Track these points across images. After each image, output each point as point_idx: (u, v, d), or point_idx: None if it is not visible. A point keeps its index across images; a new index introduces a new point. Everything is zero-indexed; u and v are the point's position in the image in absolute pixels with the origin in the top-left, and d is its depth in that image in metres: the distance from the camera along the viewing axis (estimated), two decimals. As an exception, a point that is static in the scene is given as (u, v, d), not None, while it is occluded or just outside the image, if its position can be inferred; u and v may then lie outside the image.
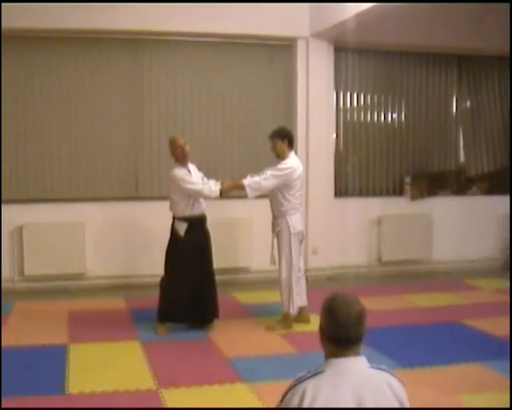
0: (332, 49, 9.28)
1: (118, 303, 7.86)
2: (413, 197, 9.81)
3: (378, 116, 9.79)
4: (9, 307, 7.50)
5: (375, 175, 9.85)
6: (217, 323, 6.79)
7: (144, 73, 8.84)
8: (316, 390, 2.49)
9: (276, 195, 6.68)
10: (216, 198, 6.65)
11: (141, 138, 8.85)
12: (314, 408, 2.45)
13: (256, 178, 6.58)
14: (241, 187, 6.58)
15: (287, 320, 6.81)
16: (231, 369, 5.61)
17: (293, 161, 6.68)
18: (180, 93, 8.96)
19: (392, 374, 2.66)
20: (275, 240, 6.89)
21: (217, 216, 8.61)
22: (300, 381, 2.55)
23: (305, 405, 2.47)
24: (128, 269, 8.74)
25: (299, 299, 6.91)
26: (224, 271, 8.68)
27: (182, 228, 6.52)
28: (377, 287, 8.93)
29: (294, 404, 2.50)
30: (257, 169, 9.07)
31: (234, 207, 8.99)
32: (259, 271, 9.03)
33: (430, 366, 5.64)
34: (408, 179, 9.86)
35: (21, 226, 8.36)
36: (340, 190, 9.64)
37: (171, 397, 4.96)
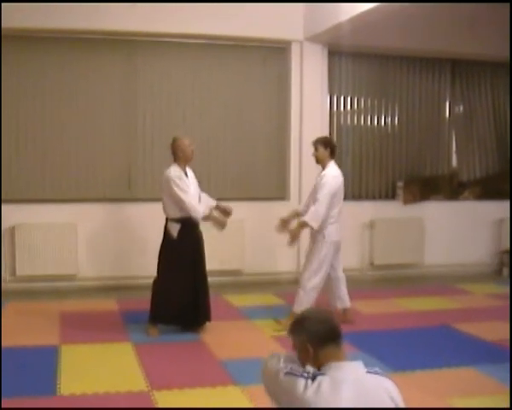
0: (326, 52, 9.29)
1: (110, 304, 7.84)
2: (405, 201, 9.83)
3: (371, 120, 9.81)
4: (0, 307, 7.47)
5: (368, 179, 9.87)
6: (209, 325, 6.77)
7: (138, 74, 8.83)
8: (316, 391, 2.52)
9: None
10: (198, 219, 6.52)
11: (134, 139, 8.84)
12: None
13: (312, 209, 6.59)
14: (305, 225, 6.67)
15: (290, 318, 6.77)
16: (223, 371, 5.60)
17: (334, 171, 6.73)
18: (174, 95, 8.96)
19: (387, 377, 2.69)
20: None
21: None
22: (301, 376, 2.57)
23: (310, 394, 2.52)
24: (120, 270, 8.73)
25: (340, 301, 7.06)
26: (217, 273, 8.68)
27: (174, 229, 6.47)
28: (369, 291, 8.94)
29: (299, 390, 2.54)
30: (250, 172, 9.17)
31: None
32: (252, 273, 9.04)
33: (422, 369, 5.64)
34: (400, 183, 9.89)
35: (13, 227, 8.34)
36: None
37: (163, 399, 4.95)
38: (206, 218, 6.55)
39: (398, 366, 5.61)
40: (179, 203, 6.37)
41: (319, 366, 2.63)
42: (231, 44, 9.03)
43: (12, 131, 8.47)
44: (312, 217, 6.58)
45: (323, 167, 6.78)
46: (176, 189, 6.33)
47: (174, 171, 6.41)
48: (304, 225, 6.69)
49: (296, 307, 6.71)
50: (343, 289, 7.12)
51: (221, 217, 6.75)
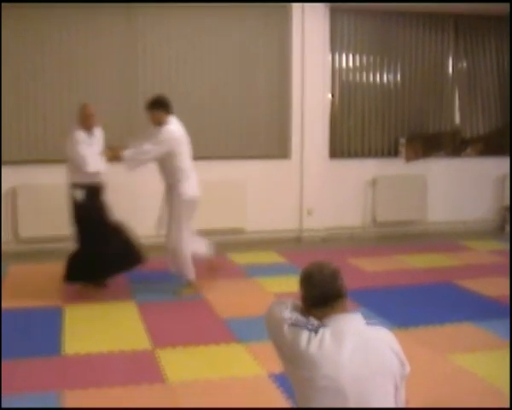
0: (328, 10, 9.17)
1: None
2: (408, 159, 9.79)
3: (374, 77, 9.71)
4: (4, 269, 7.50)
5: (371, 136, 9.81)
6: (212, 283, 6.82)
7: (138, 37, 8.72)
8: (320, 342, 2.55)
9: (164, 163, 6.50)
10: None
11: (135, 103, 8.74)
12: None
13: (136, 150, 6.37)
14: (120, 159, 6.40)
15: (191, 285, 6.75)
16: (227, 329, 5.64)
17: (172, 128, 6.48)
18: (174, 57, 8.86)
19: (386, 329, 2.74)
20: (165, 207, 6.74)
21: (210, 177, 8.62)
22: (305, 327, 2.59)
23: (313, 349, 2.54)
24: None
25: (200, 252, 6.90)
26: (219, 232, 8.72)
27: (79, 194, 6.49)
28: (372, 248, 8.96)
29: (303, 345, 2.56)
30: (251, 131, 9.13)
31: (228, 168, 8.98)
32: (254, 231, 9.06)
33: (424, 325, 5.68)
34: (403, 141, 9.83)
35: (15, 188, 8.33)
36: (335, 152, 9.61)
37: (166, 357, 4.99)
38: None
39: (401, 322, 5.64)
40: (80, 160, 6.34)
41: (320, 319, 2.65)
42: (232, 5, 8.90)
43: (12, 95, 8.39)
44: (133, 159, 6.36)
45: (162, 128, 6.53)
46: (78, 149, 6.34)
47: (78, 134, 6.40)
48: (119, 158, 6.39)
49: (186, 274, 6.70)
50: (199, 240, 6.98)
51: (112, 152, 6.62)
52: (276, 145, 9.32)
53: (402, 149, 9.83)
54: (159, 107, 6.47)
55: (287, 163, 9.20)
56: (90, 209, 6.51)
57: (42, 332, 5.56)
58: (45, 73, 8.50)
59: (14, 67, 8.39)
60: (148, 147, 6.31)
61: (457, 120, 10.23)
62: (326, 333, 2.55)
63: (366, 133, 9.81)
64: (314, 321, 2.62)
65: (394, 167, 9.76)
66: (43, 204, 8.35)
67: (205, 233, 8.72)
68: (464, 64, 10.15)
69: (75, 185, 6.46)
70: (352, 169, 9.64)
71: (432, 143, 10.06)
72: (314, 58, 9.13)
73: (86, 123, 6.47)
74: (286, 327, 2.65)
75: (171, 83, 8.86)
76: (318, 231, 9.32)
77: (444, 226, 9.90)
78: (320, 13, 9.08)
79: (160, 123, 6.42)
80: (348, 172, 9.60)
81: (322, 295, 2.65)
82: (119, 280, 6.99)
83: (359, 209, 9.71)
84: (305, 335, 2.57)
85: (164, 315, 6.05)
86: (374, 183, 9.64)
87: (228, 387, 4.54)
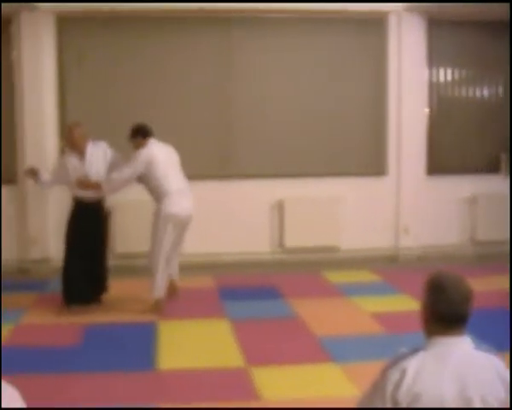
0: (426, 22, 8.97)
1: (206, 281, 7.88)
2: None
3: (473, 91, 9.42)
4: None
5: (470, 152, 9.49)
6: (305, 301, 6.73)
7: (233, 52, 8.77)
8: (418, 370, 2.43)
9: (144, 182, 6.72)
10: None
11: (228, 118, 8.79)
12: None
13: (112, 175, 6.65)
14: (97, 187, 6.66)
15: (157, 305, 6.64)
16: (322, 348, 5.53)
17: (147, 151, 6.65)
18: (269, 71, 8.85)
19: (495, 356, 2.57)
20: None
21: (305, 194, 8.57)
22: (402, 358, 2.46)
23: (406, 384, 2.40)
24: (216, 247, 8.72)
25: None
26: (313, 249, 8.63)
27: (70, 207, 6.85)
28: (470, 268, 8.63)
29: (393, 382, 2.43)
30: (346, 147, 9.01)
31: (323, 185, 8.88)
32: (349, 249, 8.90)
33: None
34: (504, 156, 9.49)
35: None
36: (433, 168, 9.34)
37: (260, 375, 4.93)
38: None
39: (504, 347, 5.38)
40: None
41: (428, 333, 2.53)
42: (328, 18, 8.84)
43: (103, 111, 8.57)
44: (109, 184, 6.64)
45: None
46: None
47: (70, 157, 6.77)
48: (96, 187, 6.68)
49: (152, 292, 6.66)
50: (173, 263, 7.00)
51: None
52: (372, 162, 9.16)
53: (503, 165, 9.49)
54: (136, 134, 6.79)
55: (383, 180, 9.03)
56: (70, 224, 6.80)
57: (137, 347, 5.61)
58: (139, 90, 8.63)
59: (108, 82, 8.58)
60: (124, 170, 6.63)
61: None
62: (426, 358, 2.44)
63: (465, 149, 9.50)
64: (405, 349, 2.50)
65: (494, 184, 9.41)
66: (130, 222, 8.46)
67: (299, 251, 8.72)
68: None
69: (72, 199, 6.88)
70: (450, 186, 9.36)
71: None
72: (411, 72, 8.93)
73: (75, 147, 6.75)
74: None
75: (265, 98, 8.85)
76: (414, 249, 9.08)
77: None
78: (417, 25, 8.89)
79: (139, 148, 6.70)
80: (446, 189, 9.33)
81: (455, 317, 2.51)
82: (211, 297, 7.00)
83: (457, 227, 9.41)
84: (397, 371, 2.44)
85: (257, 332, 5.99)
86: (473, 200, 9.33)
87: (323, 407, 4.42)
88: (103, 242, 6.93)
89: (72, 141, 6.74)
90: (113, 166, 6.80)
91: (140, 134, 6.76)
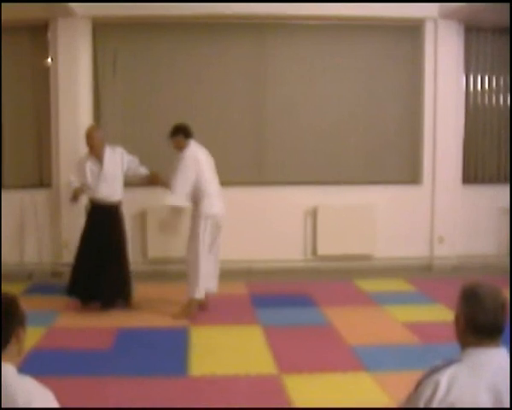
0: (462, 28, 8.87)
1: (239, 288, 7.87)
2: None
3: (510, 99, 9.29)
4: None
5: (506, 161, 9.36)
6: (338, 309, 6.67)
7: (268, 58, 8.77)
8: (451, 382, 2.39)
9: None
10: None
11: (263, 125, 8.78)
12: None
13: (178, 181, 6.66)
14: (166, 186, 6.82)
15: (191, 306, 6.64)
16: (354, 357, 5.48)
17: (191, 150, 6.71)
18: (304, 78, 8.84)
19: None
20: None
21: (340, 202, 8.53)
22: (435, 371, 2.42)
23: (439, 396, 2.38)
24: (249, 254, 8.70)
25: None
26: (347, 257, 8.58)
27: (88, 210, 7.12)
28: (505, 278, 8.50)
29: (427, 395, 2.41)
30: (381, 155, 8.94)
31: (357, 193, 8.82)
32: (382, 258, 8.83)
33: None
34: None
35: (145, 209, 8.48)
36: (469, 177, 9.24)
37: (292, 383, 4.89)
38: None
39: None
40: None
41: (462, 344, 2.49)
42: (362, 25, 8.80)
43: (137, 117, 8.65)
44: (172, 191, 6.72)
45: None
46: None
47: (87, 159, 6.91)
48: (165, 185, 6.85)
49: (191, 291, 6.66)
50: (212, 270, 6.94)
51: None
52: (408, 170, 9.08)
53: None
54: (177, 133, 6.82)
55: (418, 188, 8.94)
56: (86, 224, 6.99)
57: (169, 352, 5.61)
58: (171, 94, 8.67)
59: (143, 89, 8.67)
60: (178, 176, 6.61)
61: None
62: (460, 370, 2.39)
63: (501, 158, 9.38)
64: (440, 362, 2.45)
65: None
66: (163, 226, 8.50)
67: (332, 258, 8.67)
68: None
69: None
70: (486, 195, 9.24)
71: None
72: (447, 80, 8.84)
73: (94, 151, 6.85)
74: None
75: (300, 105, 8.85)
76: (449, 258, 8.97)
77: None
78: (454, 32, 8.80)
79: (180, 148, 6.74)
80: (482, 199, 9.21)
81: (492, 327, 2.46)
82: (244, 304, 6.97)
83: (492, 237, 9.27)
84: (431, 384, 2.39)
85: (289, 340, 5.95)
86: (508, 210, 9.19)
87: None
88: (119, 244, 6.98)
89: (91, 144, 6.83)
90: (130, 170, 6.99)
91: (182, 133, 6.81)
